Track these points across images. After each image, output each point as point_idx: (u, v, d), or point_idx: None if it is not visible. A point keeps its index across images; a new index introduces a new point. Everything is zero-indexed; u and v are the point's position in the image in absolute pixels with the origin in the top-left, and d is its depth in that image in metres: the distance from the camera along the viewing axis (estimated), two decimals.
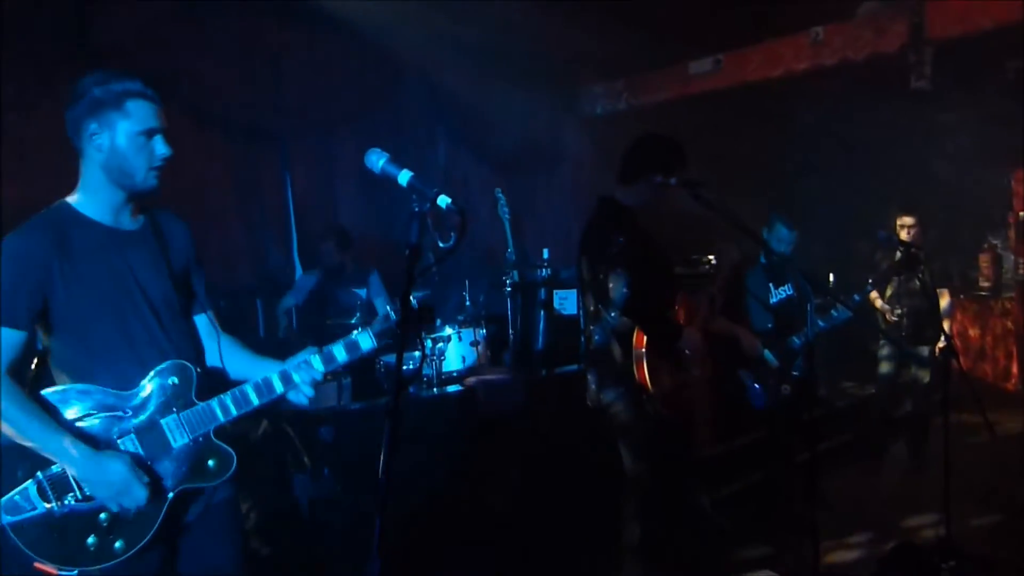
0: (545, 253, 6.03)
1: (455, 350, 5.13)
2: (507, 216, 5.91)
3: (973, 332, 9.01)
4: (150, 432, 2.22)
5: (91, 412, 2.19)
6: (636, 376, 3.60)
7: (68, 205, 2.30)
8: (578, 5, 5.92)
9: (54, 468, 2.12)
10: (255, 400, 2.33)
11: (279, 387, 2.36)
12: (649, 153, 3.75)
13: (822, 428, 6.35)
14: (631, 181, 3.77)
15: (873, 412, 6.73)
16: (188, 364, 2.31)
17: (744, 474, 5.56)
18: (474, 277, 5.74)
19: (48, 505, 2.11)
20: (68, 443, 2.10)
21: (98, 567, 2.12)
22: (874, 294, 6.12)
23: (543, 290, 5.75)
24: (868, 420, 6.78)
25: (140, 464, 2.18)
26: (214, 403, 2.30)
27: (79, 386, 2.20)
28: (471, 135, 7.46)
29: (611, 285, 3.55)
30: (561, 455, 4.46)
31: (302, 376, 2.38)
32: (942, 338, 5.57)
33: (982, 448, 5.10)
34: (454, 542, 4.02)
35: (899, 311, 6.10)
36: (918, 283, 5.81)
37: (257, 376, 2.39)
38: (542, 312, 5.70)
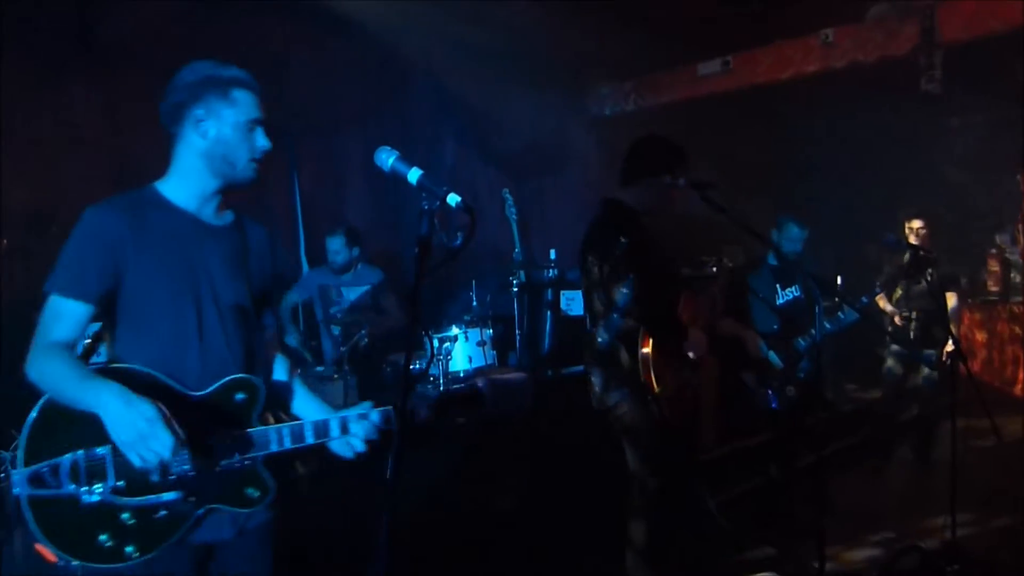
0: (552, 254, 6.04)
1: (461, 350, 5.13)
2: (514, 216, 5.92)
3: (981, 336, 8.98)
4: (201, 441, 2.10)
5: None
6: (641, 377, 3.59)
7: (154, 189, 2.26)
8: (586, 6, 5.92)
9: (97, 451, 2.02)
10: (310, 439, 2.25)
11: (335, 432, 2.29)
12: (649, 155, 3.77)
13: (828, 431, 6.35)
14: (632, 183, 3.79)
15: (879, 415, 6.71)
16: (259, 383, 2.24)
17: (749, 476, 5.55)
18: (481, 277, 5.74)
19: (75, 488, 2.00)
20: (103, 387, 1.99)
21: (102, 567, 2.01)
22: (881, 297, 6.11)
23: (550, 291, 5.76)
24: (874, 423, 6.77)
25: (182, 479, 2.07)
26: (271, 431, 2.21)
27: (141, 368, 2.11)
28: (479, 136, 7.46)
29: (616, 286, 3.55)
30: (567, 456, 4.46)
31: (357, 429, 2.30)
32: (950, 341, 5.57)
33: (988, 452, 5.08)
34: (459, 542, 4.02)
35: (907, 314, 6.09)
36: (926, 286, 5.80)
37: (301, 411, 2.40)
38: (549, 313, 5.71)
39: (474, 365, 5.05)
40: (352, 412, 2.32)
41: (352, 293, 5.69)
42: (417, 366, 5.06)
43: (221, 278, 2.24)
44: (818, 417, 4.51)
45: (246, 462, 2.17)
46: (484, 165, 7.65)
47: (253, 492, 2.20)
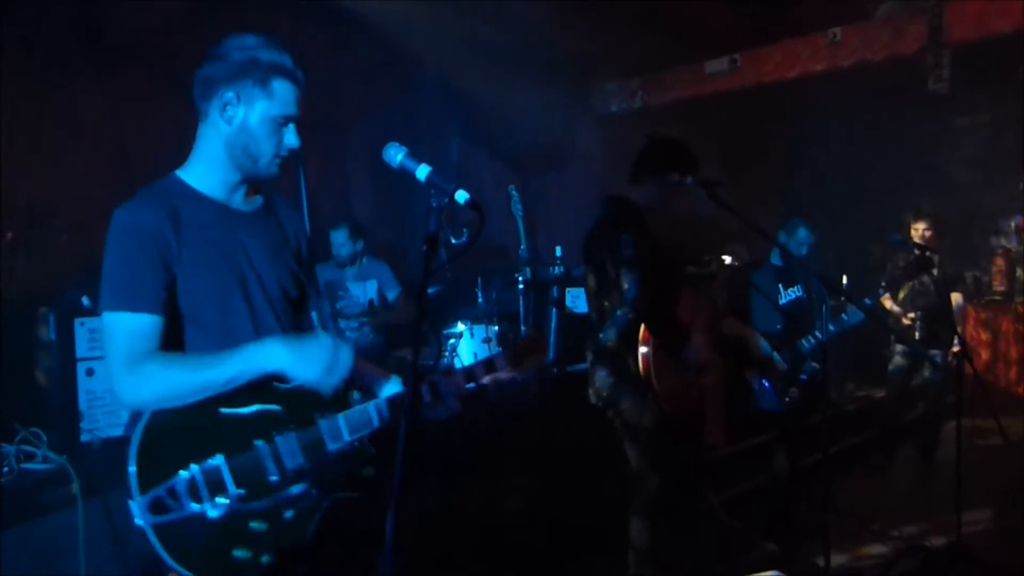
0: (558, 251, 6.02)
1: (467, 346, 5.12)
2: (520, 213, 5.90)
3: (985, 336, 8.96)
4: (309, 432, 2.04)
5: (247, 404, 1.98)
6: (642, 374, 3.59)
7: (178, 178, 2.10)
8: (594, 4, 5.91)
9: (209, 461, 1.89)
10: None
11: (427, 398, 2.24)
12: (660, 155, 3.76)
13: (832, 430, 6.34)
14: (639, 181, 3.79)
15: (884, 415, 6.70)
16: None
17: (753, 475, 5.54)
18: (487, 273, 5.74)
19: (197, 506, 1.86)
20: (262, 346, 1.97)
21: None
22: (887, 297, 6.10)
23: (555, 288, 5.74)
24: (879, 423, 6.76)
25: (299, 472, 2.01)
26: (370, 407, 2.15)
27: None
28: (485, 132, 7.45)
29: (623, 284, 3.56)
30: (572, 453, 4.46)
31: (447, 388, 2.28)
32: (955, 341, 5.56)
33: (993, 452, 5.07)
34: (464, 540, 4.01)
35: (912, 314, 6.08)
36: (931, 286, 5.79)
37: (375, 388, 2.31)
38: (554, 310, 5.70)
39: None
40: (438, 375, 2.29)
41: (357, 287, 5.70)
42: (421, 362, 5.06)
43: (263, 266, 2.14)
44: (822, 416, 4.50)
45: (355, 444, 2.12)
46: (490, 161, 7.64)
47: (370, 473, 2.14)
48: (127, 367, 1.91)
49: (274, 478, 1.97)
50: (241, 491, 1.91)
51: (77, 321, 3.55)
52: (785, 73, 7.07)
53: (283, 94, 2.06)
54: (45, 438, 3.40)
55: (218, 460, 1.91)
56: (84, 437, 3.50)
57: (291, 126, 2.10)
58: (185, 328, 2.03)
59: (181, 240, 1.99)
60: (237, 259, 2.09)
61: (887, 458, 6.51)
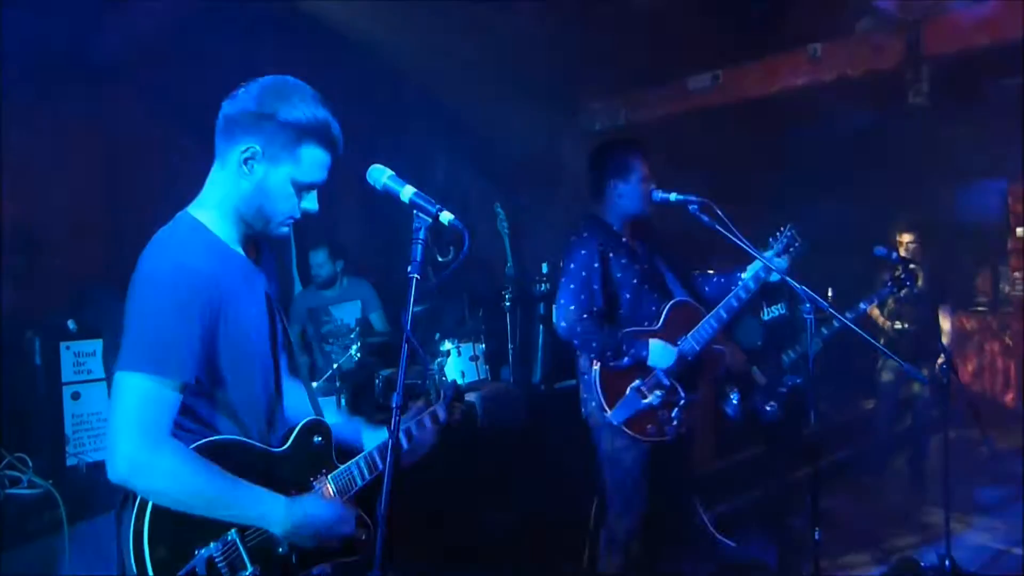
0: (544, 268, 6.04)
1: (454, 365, 5.11)
2: (506, 231, 5.92)
3: (971, 347, 9.01)
4: (299, 495, 1.96)
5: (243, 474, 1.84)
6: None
7: (199, 223, 1.90)
8: (577, 21, 5.95)
9: (227, 538, 1.79)
10: (380, 463, 2.13)
11: (404, 445, 2.23)
12: (602, 163, 3.84)
13: (821, 443, 6.35)
14: (598, 194, 3.82)
15: (873, 427, 6.72)
16: (325, 421, 2.11)
17: (743, 491, 5.54)
18: (473, 291, 5.74)
19: None
20: (271, 498, 1.84)
21: None
22: (874, 309, 6.13)
23: (542, 305, 5.75)
24: (868, 435, 6.77)
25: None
26: (352, 466, 2.10)
27: (223, 438, 1.86)
28: (470, 151, 7.47)
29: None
30: (560, 470, 4.45)
31: (423, 437, 2.29)
32: (941, 354, 5.59)
33: (982, 463, 5.10)
34: (452, 558, 4.00)
35: (899, 327, 6.11)
36: (917, 299, 5.82)
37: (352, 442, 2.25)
38: (541, 326, 5.70)
39: (467, 380, 5.03)
40: (409, 420, 2.27)
41: (340, 309, 5.69)
42: (408, 381, 5.04)
43: (275, 318, 2.04)
44: (811, 429, 4.51)
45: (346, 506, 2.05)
46: (476, 179, 7.65)
47: (366, 536, 2.08)
48: (145, 441, 1.70)
49: (282, 550, 1.89)
50: (256, 568, 1.81)
51: (63, 345, 3.54)
52: (767, 88, 7.12)
53: (312, 161, 1.92)
54: (31, 463, 3.38)
55: (233, 535, 1.80)
56: (70, 461, 3.48)
57: (314, 192, 1.98)
58: (204, 387, 1.85)
59: (224, 295, 1.83)
60: (259, 313, 1.97)
61: (878, 470, 6.51)
